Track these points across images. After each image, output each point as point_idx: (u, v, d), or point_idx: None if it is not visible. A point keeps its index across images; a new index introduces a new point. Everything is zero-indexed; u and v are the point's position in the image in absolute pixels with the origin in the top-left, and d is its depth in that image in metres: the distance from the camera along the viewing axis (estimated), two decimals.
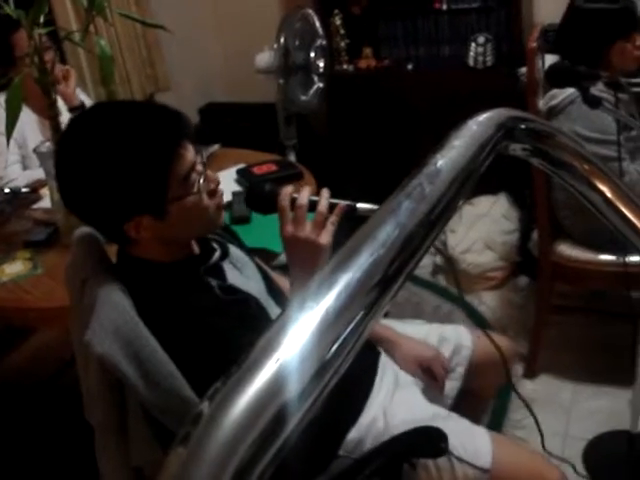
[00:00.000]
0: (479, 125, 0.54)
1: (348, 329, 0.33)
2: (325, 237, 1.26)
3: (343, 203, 1.29)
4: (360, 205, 1.28)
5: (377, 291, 0.36)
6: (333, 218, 1.27)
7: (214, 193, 1.37)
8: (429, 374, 1.72)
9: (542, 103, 2.40)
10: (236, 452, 0.28)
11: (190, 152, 1.31)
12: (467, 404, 1.83)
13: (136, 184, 1.25)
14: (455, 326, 1.92)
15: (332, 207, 1.28)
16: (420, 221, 0.41)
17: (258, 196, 1.39)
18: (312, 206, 1.28)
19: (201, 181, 1.32)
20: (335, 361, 0.32)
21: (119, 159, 1.25)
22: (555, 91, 2.35)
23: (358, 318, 0.34)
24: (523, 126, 0.56)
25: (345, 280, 0.35)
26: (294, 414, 0.30)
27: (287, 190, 1.31)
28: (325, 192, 1.30)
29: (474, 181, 0.49)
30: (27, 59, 2.18)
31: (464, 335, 1.84)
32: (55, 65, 2.61)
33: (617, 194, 0.61)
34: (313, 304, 0.33)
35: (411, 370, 1.72)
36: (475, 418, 1.68)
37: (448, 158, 0.48)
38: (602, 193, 0.61)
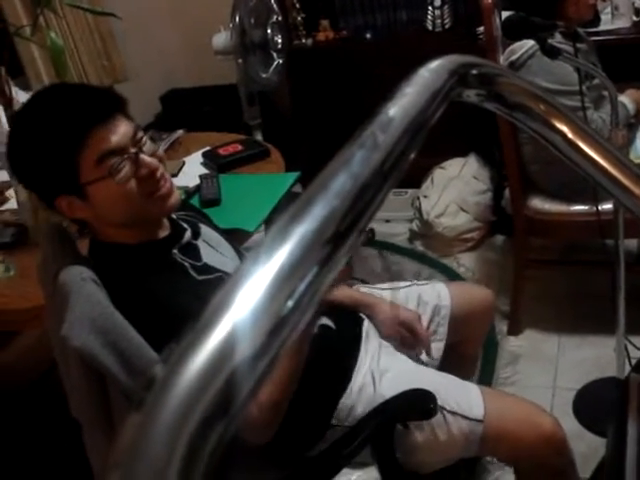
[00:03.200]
0: (430, 72, 0.52)
1: (304, 283, 0.32)
2: None
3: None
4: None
5: (333, 243, 0.35)
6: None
7: (148, 178, 1.32)
8: (412, 335, 1.72)
9: (502, 59, 2.39)
10: (191, 414, 0.27)
11: (110, 134, 1.28)
12: (455, 362, 1.84)
13: (49, 166, 1.29)
14: (432, 284, 1.93)
15: None
16: (374, 170, 0.40)
17: None
18: None
19: (125, 165, 1.28)
20: (291, 317, 0.31)
21: (34, 141, 1.29)
22: (514, 46, 2.35)
23: (314, 271, 0.33)
24: (475, 71, 0.55)
25: (299, 233, 0.34)
26: (251, 373, 0.29)
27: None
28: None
29: (427, 129, 0.48)
30: None
31: (442, 293, 1.86)
32: None
33: (576, 132, 0.61)
34: (266, 259, 0.32)
35: (393, 333, 1.73)
36: (464, 377, 1.69)
37: (400, 106, 0.47)
38: (561, 132, 0.60)
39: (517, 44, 2.33)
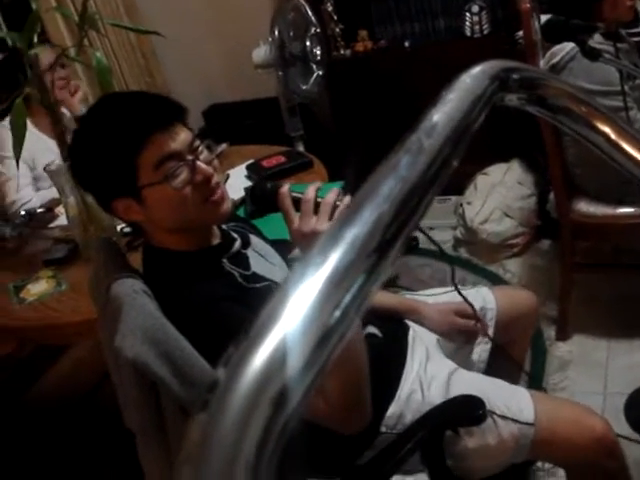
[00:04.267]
0: (472, 78, 0.53)
1: (351, 292, 0.33)
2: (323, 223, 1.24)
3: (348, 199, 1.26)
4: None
5: (380, 250, 0.36)
6: (341, 206, 1.25)
7: (203, 185, 1.35)
8: (463, 321, 1.74)
9: (543, 62, 2.38)
10: (253, 413, 0.29)
11: (169, 140, 1.30)
12: (502, 366, 1.84)
13: (110, 167, 1.31)
14: (477, 289, 1.92)
15: None
16: (421, 174, 0.41)
17: (259, 198, 1.39)
18: (319, 204, 1.27)
19: (183, 171, 1.31)
20: (339, 326, 0.32)
21: (96, 144, 1.33)
22: (555, 49, 2.34)
23: (361, 280, 0.34)
24: (516, 75, 0.56)
25: (349, 239, 0.35)
26: (302, 378, 0.30)
27: (284, 190, 1.31)
28: (336, 189, 1.28)
29: (470, 134, 0.49)
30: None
31: (487, 296, 1.86)
32: (70, 81, 2.65)
33: (619, 133, 0.61)
34: (319, 262, 0.33)
35: (445, 325, 1.76)
36: (512, 381, 1.68)
37: (443, 112, 0.48)
38: (603, 133, 0.60)
39: (557, 47, 2.32)
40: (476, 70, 0.55)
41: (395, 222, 0.38)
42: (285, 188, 1.31)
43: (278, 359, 0.30)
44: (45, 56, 2.58)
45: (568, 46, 2.26)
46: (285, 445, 0.30)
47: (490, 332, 1.81)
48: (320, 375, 0.32)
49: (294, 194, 1.29)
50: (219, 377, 0.30)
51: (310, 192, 1.26)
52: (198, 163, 1.34)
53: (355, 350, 1.26)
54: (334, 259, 0.34)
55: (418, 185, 0.41)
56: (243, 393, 0.29)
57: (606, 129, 0.62)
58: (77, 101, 2.79)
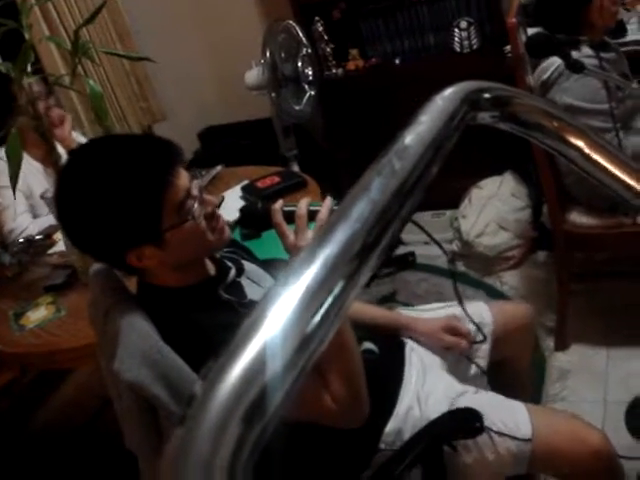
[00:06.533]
0: (444, 100, 0.56)
1: (328, 302, 0.35)
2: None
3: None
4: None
5: (355, 263, 0.38)
6: (322, 210, 1.29)
7: (212, 216, 1.38)
8: (456, 335, 1.76)
9: (534, 78, 2.41)
10: (228, 426, 0.30)
11: (183, 179, 1.31)
12: (505, 382, 1.85)
13: (130, 216, 1.27)
14: (474, 304, 1.92)
15: None
16: (392, 196, 0.43)
17: (250, 216, 1.42)
18: (312, 216, 1.30)
19: (196, 206, 1.33)
20: (317, 333, 0.34)
21: (112, 193, 1.26)
22: (545, 64, 2.36)
23: (337, 291, 0.36)
24: (487, 95, 0.58)
25: (324, 255, 0.37)
26: (280, 387, 0.32)
27: (276, 205, 1.34)
28: (328, 200, 1.31)
29: (444, 153, 0.51)
30: (21, 108, 2.23)
31: (484, 312, 1.86)
32: (52, 110, 2.67)
33: (592, 146, 0.63)
34: (294, 280, 0.35)
35: (436, 340, 1.76)
36: (517, 397, 1.68)
37: (416, 134, 0.50)
38: (577, 148, 0.63)
39: (547, 62, 2.35)
40: (448, 92, 0.57)
41: (367, 239, 0.40)
42: (277, 204, 1.34)
43: (255, 370, 0.32)
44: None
45: (557, 62, 2.28)
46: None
47: (487, 347, 1.82)
48: (299, 381, 0.33)
49: (285, 209, 1.32)
50: (196, 391, 0.32)
51: (302, 207, 1.29)
52: (205, 195, 1.37)
53: (346, 339, 1.29)
54: (310, 273, 0.36)
55: (389, 206, 0.43)
56: (218, 405, 0.31)
57: (579, 143, 0.64)
58: (67, 132, 2.79)
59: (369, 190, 0.43)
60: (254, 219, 1.41)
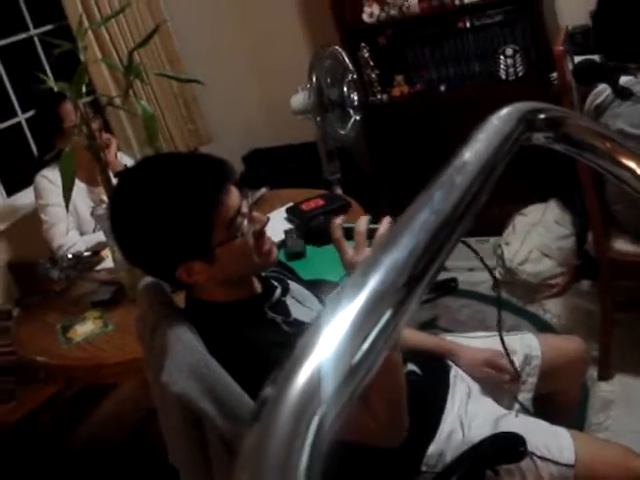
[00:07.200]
0: (500, 120, 0.57)
1: (379, 325, 0.37)
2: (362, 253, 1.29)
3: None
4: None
5: (421, 265, 0.40)
6: (381, 229, 1.30)
7: (261, 234, 1.42)
8: (498, 371, 1.73)
9: (588, 102, 2.38)
10: (299, 424, 0.33)
11: (234, 197, 1.35)
12: (552, 414, 1.82)
13: (183, 232, 1.31)
14: (522, 335, 1.90)
15: None
16: (452, 208, 0.45)
17: (312, 230, 1.45)
18: (370, 234, 1.32)
19: (245, 223, 1.36)
20: (366, 360, 0.36)
21: (165, 209, 1.31)
22: (599, 89, 2.33)
23: (389, 314, 0.38)
24: (542, 116, 0.60)
25: (389, 260, 0.39)
26: (336, 402, 0.34)
27: (336, 221, 1.36)
28: (386, 220, 1.33)
29: (499, 171, 0.53)
30: (76, 129, 2.30)
31: (533, 344, 1.84)
32: (102, 132, 2.74)
33: None
34: (350, 298, 0.37)
35: (479, 372, 1.75)
36: (558, 424, 1.67)
37: (473, 151, 0.52)
38: (629, 168, 0.64)
39: (601, 87, 2.32)
40: (504, 112, 0.59)
41: (429, 251, 0.42)
42: (338, 220, 1.36)
43: (308, 396, 0.35)
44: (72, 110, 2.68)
45: (609, 90, 2.26)
46: None
47: (533, 380, 1.80)
48: (353, 397, 0.35)
49: (345, 225, 1.35)
50: (268, 393, 0.35)
51: (362, 224, 1.31)
52: (254, 213, 1.40)
53: (393, 365, 1.29)
54: (364, 294, 0.38)
55: (451, 217, 0.44)
56: (289, 409, 0.34)
57: (631, 164, 0.65)
58: (113, 155, 2.85)
59: (432, 201, 0.44)
60: (316, 232, 1.45)
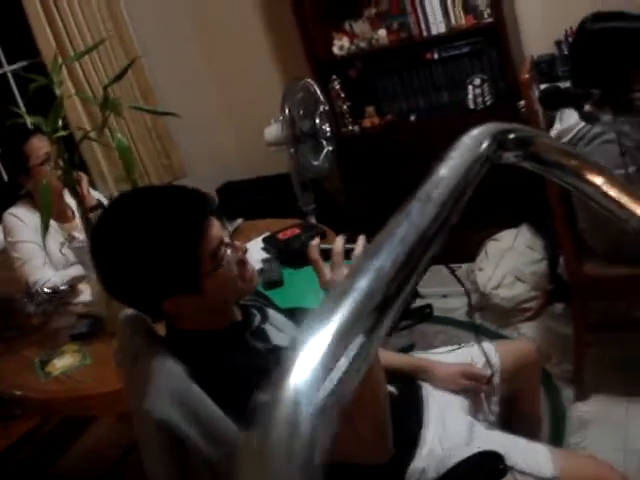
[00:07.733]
0: (472, 139, 0.60)
1: (356, 343, 0.39)
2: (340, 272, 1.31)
3: None
4: None
5: (402, 274, 0.42)
6: (357, 249, 1.33)
7: (243, 261, 1.45)
8: (472, 381, 1.81)
9: (555, 136, 2.39)
10: (296, 429, 0.35)
11: (216, 227, 1.38)
12: (517, 421, 1.89)
13: (168, 265, 1.31)
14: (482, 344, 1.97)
15: None
16: (430, 220, 0.48)
17: (290, 252, 1.48)
18: (347, 254, 1.34)
19: (229, 252, 1.39)
20: (346, 377, 0.38)
21: (149, 243, 1.31)
22: (567, 127, 2.29)
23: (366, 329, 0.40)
24: (512, 135, 0.63)
25: (373, 269, 0.41)
26: (317, 425, 0.36)
27: (314, 243, 1.38)
28: (361, 239, 1.35)
29: (472, 187, 0.56)
30: (49, 163, 2.31)
31: (490, 351, 1.91)
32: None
33: (609, 183, 0.68)
34: (327, 319, 0.39)
35: (454, 385, 1.81)
36: (529, 436, 1.72)
37: (449, 167, 0.55)
38: (594, 184, 0.67)
39: (568, 125, 2.28)
40: (475, 132, 0.62)
41: (408, 262, 0.44)
42: (314, 241, 1.38)
43: (290, 416, 0.36)
44: (41, 146, 2.69)
45: (578, 126, 2.27)
46: None
47: (496, 380, 1.87)
48: (333, 424, 0.37)
49: (322, 246, 1.37)
50: (264, 398, 0.37)
51: (339, 245, 1.33)
52: (235, 242, 1.44)
53: (374, 381, 1.31)
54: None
55: (429, 230, 0.47)
56: (286, 407, 0.36)
57: (597, 180, 0.68)
58: (85, 190, 2.86)
59: (410, 215, 0.47)
60: (294, 253, 1.48)
